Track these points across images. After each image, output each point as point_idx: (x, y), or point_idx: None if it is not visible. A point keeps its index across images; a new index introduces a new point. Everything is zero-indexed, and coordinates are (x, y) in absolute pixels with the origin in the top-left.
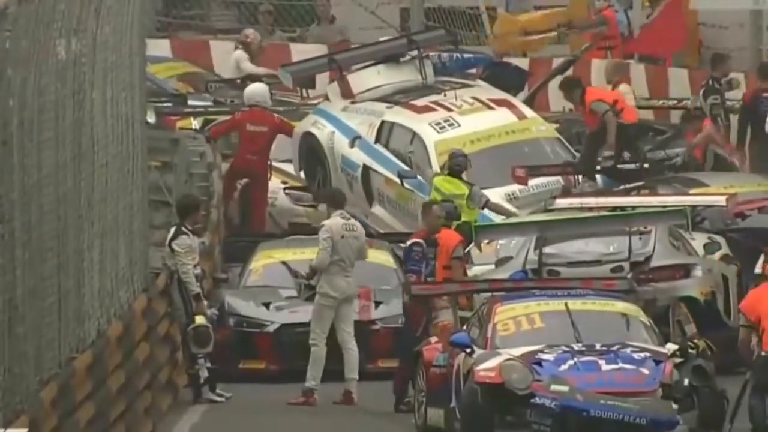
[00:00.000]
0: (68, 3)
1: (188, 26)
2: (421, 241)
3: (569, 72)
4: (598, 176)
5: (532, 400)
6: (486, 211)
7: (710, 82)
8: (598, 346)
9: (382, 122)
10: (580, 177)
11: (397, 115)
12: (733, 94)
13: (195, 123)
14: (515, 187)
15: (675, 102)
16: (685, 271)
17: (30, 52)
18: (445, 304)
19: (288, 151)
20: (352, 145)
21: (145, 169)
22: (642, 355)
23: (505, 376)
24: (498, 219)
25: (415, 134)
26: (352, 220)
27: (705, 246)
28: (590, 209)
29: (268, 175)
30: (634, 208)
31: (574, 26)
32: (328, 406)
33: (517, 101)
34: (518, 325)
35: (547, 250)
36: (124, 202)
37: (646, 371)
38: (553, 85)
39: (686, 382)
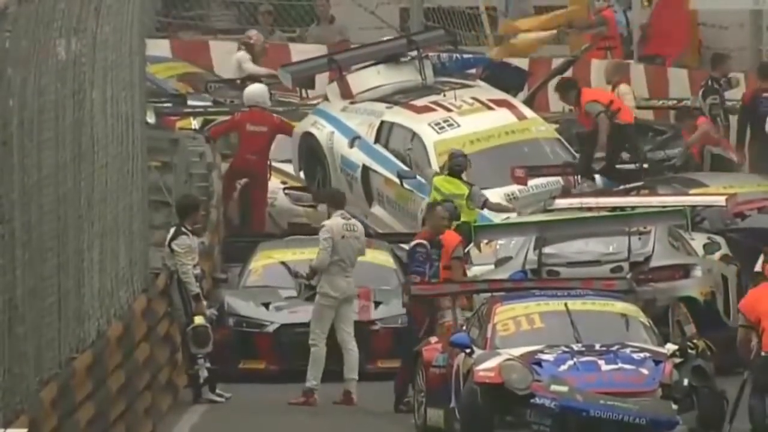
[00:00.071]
0: (68, 2)
1: (188, 26)
2: (424, 242)
3: (569, 72)
4: (597, 176)
5: (531, 401)
6: (486, 211)
7: (709, 82)
8: (597, 347)
9: (382, 122)
10: (580, 177)
11: (397, 115)
12: (732, 93)
13: (195, 123)
14: (515, 188)
15: (675, 102)
16: (684, 271)
17: (30, 52)
18: (450, 304)
19: (288, 152)
20: (351, 146)
21: (145, 169)
22: (641, 355)
23: (505, 376)
24: (498, 219)
25: (414, 134)
26: (353, 220)
27: (705, 246)
28: (590, 209)
29: (268, 175)
30: (633, 208)
31: (573, 26)
32: (327, 406)
33: (516, 101)
34: (518, 325)
35: (546, 250)
36: (124, 202)
37: (645, 371)
38: (553, 85)
39: (686, 382)
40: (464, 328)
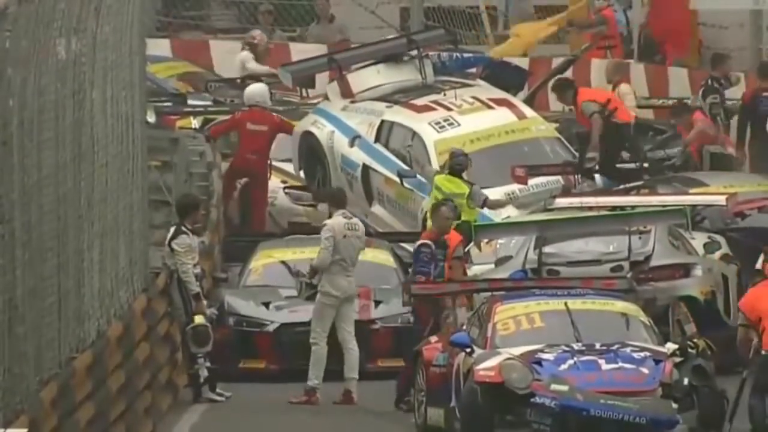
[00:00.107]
0: (68, 2)
1: (188, 26)
2: (429, 242)
3: (569, 72)
4: (597, 176)
5: (532, 400)
6: (486, 211)
7: (709, 81)
8: (597, 346)
9: (382, 122)
10: (580, 177)
11: (397, 114)
12: (732, 92)
13: (195, 122)
14: (515, 187)
15: (675, 102)
16: (684, 270)
17: (30, 52)
18: (450, 305)
19: (288, 151)
20: (351, 145)
21: (145, 168)
22: (642, 354)
23: (505, 375)
24: (498, 218)
25: (414, 133)
26: (354, 219)
27: (705, 245)
28: (590, 209)
29: (268, 174)
30: (633, 207)
31: (574, 25)
32: (328, 405)
33: (517, 101)
34: (518, 324)
35: (546, 249)
36: (124, 201)
37: (645, 371)
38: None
39: (686, 381)
40: (464, 327)
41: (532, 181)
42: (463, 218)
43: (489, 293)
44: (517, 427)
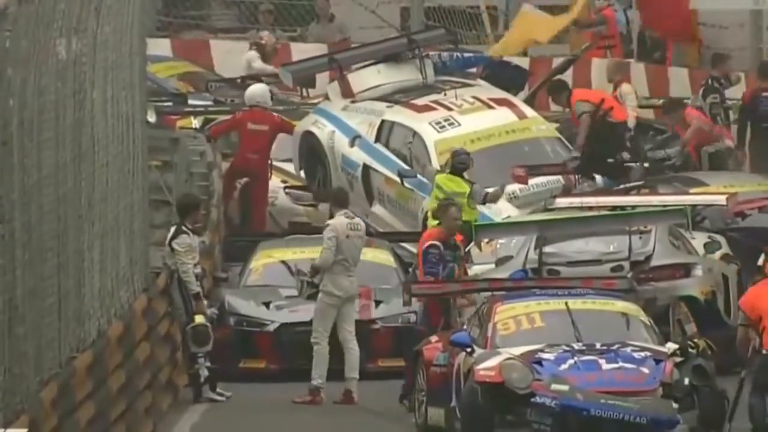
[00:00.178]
0: (68, 2)
1: (188, 26)
2: (437, 243)
3: (569, 71)
4: (597, 176)
5: (532, 400)
6: (486, 211)
7: (709, 81)
8: (598, 346)
9: (383, 121)
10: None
11: (398, 114)
12: (733, 92)
13: (195, 122)
14: (515, 187)
15: (665, 101)
16: (685, 270)
17: (30, 52)
18: (465, 302)
19: (288, 151)
20: (352, 145)
21: (146, 168)
22: (642, 354)
23: (506, 375)
24: (498, 218)
25: (415, 133)
26: (357, 219)
27: (705, 245)
28: (590, 209)
29: (269, 174)
30: (634, 207)
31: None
32: (328, 405)
33: (517, 100)
34: (518, 324)
35: (547, 249)
36: (124, 201)
37: (646, 370)
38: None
39: (686, 381)
40: (465, 327)
41: (532, 181)
42: (463, 218)
43: (489, 293)
44: (517, 427)
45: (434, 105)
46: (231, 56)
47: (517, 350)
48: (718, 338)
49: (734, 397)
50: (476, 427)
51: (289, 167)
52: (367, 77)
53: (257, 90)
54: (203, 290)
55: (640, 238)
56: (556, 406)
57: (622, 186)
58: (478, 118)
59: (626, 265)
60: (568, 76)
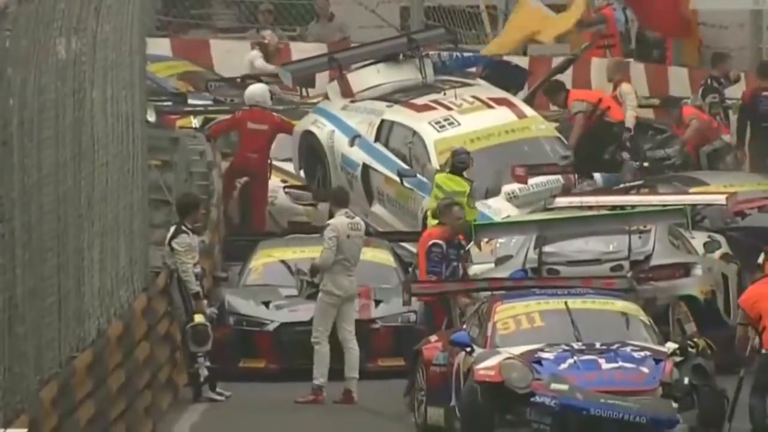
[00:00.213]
0: (68, 2)
1: (188, 25)
2: (440, 242)
3: (569, 71)
4: (597, 175)
5: (532, 399)
6: (486, 210)
7: (709, 80)
8: (597, 345)
9: (382, 121)
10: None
11: (397, 113)
12: (732, 92)
13: (195, 122)
14: (515, 186)
15: (660, 100)
16: (685, 269)
17: (30, 52)
18: (468, 301)
19: (288, 150)
20: (351, 144)
21: (145, 168)
22: (642, 353)
23: (505, 374)
24: (498, 218)
25: (415, 133)
26: (357, 219)
27: (705, 245)
28: (590, 208)
29: (268, 173)
30: (633, 207)
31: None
32: (328, 405)
33: (517, 100)
34: (518, 323)
35: (546, 248)
36: (124, 201)
37: (646, 370)
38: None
39: (686, 380)
40: (465, 326)
41: (531, 181)
42: None
43: (489, 292)
44: (517, 427)
45: (434, 104)
46: (231, 56)
47: (517, 350)
48: (718, 338)
49: (733, 397)
50: (476, 426)
51: (289, 167)
52: (367, 77)
53: (257, 90)
54: (203, 290)
55: (640, 237)
56: (555, 406)
57: (621, 185)
58: (478, 117)
59: (626, 264)
60: (567, 76)
